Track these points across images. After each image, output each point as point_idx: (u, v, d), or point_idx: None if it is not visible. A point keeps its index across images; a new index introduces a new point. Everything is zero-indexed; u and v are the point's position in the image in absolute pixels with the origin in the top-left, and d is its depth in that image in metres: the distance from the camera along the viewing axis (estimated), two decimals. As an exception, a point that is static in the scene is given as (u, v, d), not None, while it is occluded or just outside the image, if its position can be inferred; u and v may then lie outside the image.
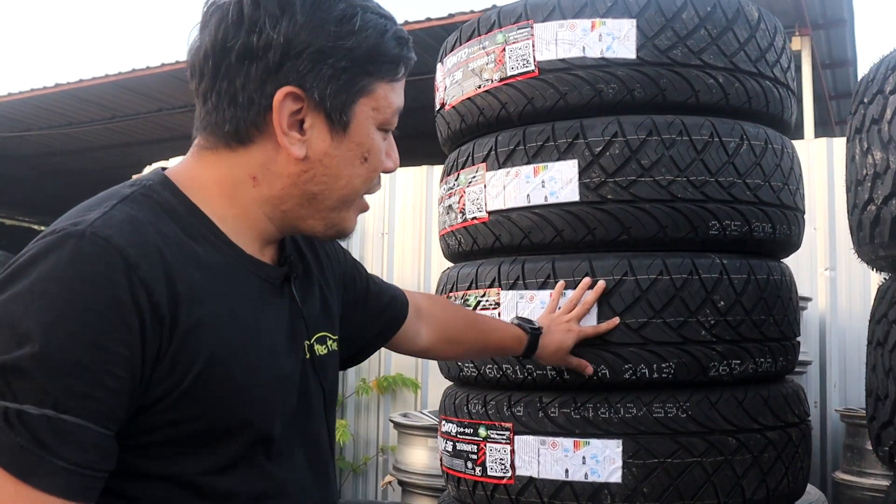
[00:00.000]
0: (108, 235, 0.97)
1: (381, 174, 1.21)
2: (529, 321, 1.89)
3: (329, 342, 1.29)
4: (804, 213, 2.17)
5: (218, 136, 1.12)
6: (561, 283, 1.93)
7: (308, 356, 1.22)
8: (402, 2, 7.01)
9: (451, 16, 7.75)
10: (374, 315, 1.54)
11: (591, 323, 1.90)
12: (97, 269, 0.94)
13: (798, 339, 2.16)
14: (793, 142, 2.17)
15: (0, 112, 11.11)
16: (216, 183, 1.13)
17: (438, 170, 6.10)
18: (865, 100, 1.57)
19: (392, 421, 4.39)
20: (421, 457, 3.95)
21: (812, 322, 4.68)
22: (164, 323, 0.98)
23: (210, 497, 1.05)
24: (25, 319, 0.91)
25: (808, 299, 4.42)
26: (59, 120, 11.43)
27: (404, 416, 4.47)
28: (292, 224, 1.17)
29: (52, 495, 0.90)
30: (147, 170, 7.53)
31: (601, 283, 1.89)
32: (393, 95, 1.16)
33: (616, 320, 1.88)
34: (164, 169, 1.17)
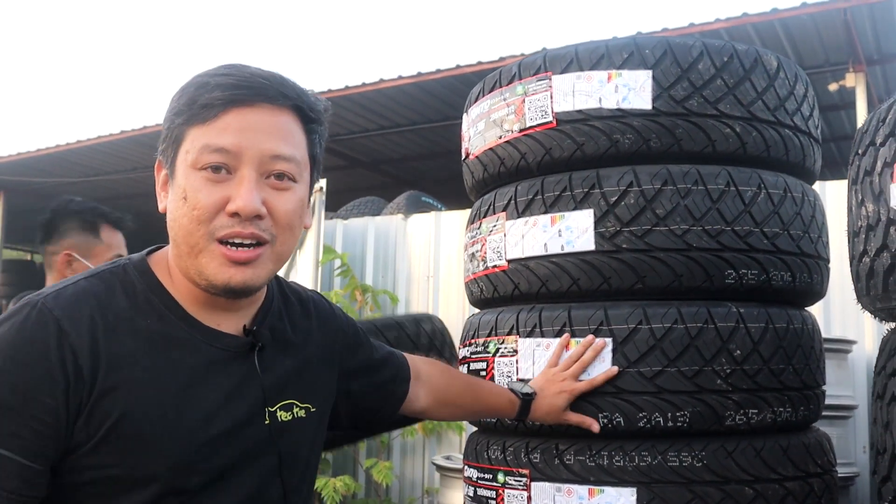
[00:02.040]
0: (51, 308, 1.17)
1: (235, 218, 1.22)
2: (524, 383, 1.94)
3: (296, 409, 1.38)
4: (828, 260, 2.16)
5: None
6: (566, 336, 1.95)
7: (268, 421, 1.32)
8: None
9: (501, 59, 7.84)
10: (377, 386, 1.65)
11: (605, 368, 1.91)
12: (36, 334, 1.15)
13: (823, 387, 2.13)
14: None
15: (70, 158, 11.54)
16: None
17: (486, 213, 6.15)
18: (860, 151, 1.57)
19: (434, 463, 4.41)
20: (462, 499, 3.95)
21: (859, 365, 4.58)
22: (84, 382, 1.15)
23: None
24: None
25: (852, 342, 4.34)
26: (124, 165, 11.80)
27: (447, 458, 4.49)
28: (190, 279, 1.26)
29: None
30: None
31: (601, 342, 1.92)
32: (201, 137, 1.22)
33: (614, 370, 1.89)
34: (159, 247, 1.35)
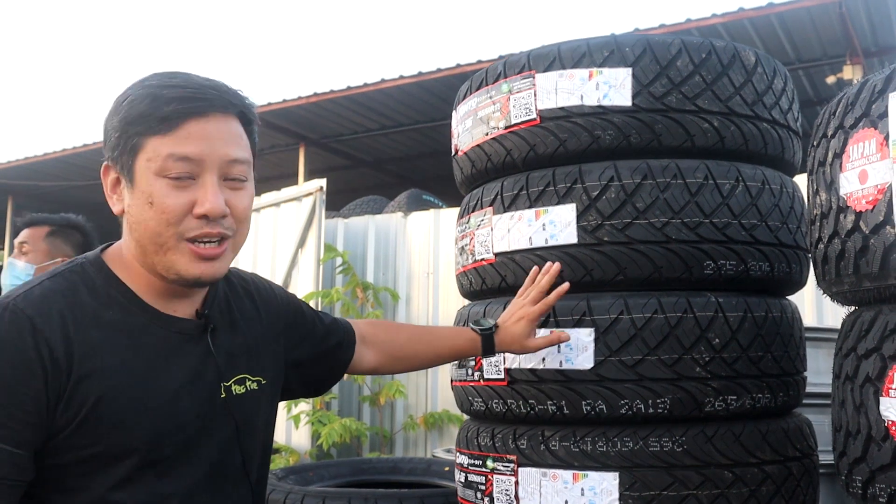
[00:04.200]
0: (23, 307, 1.29)
1: (203, 220, 1.36)
2: (482, 323, 2.02)
3: (248, 382, 1.53)
4: (808, 250, 2.22)
5: None
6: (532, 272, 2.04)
7: (224, 395, 1.47)
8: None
9: (501, 57, 7.89)
10: (322, 355, 1.79)
11: (588, 361, 1.97)
12: (11, 333, 1.27)
13: (804, 374, 2.19)
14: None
15: (76, 162, 11.69)
16: (125, 248, 1.45)
17: (485, 210, 6.21)
18: (815, 143, 1.64)
19: (435, 456, 4.47)
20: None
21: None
22: (61, 372, 1.28)
23: None
24: None
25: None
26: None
27: (448, 451, 4.55)
28: (154, 273, 1.40)
29: None
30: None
31: (557, 265, 2.00)
32: (163, 147, 1.34)
33: (566, 286, 1.98)
34: (110, 244, 1.50)
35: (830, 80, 7.50)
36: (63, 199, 13.94)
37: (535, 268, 2.04)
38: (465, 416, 5.59)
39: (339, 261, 6.65)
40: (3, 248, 14.30)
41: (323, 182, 6.44)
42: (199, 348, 1.46)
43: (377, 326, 2.00)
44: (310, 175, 9.73)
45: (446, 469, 3.40)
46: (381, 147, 10.99)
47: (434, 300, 6.07)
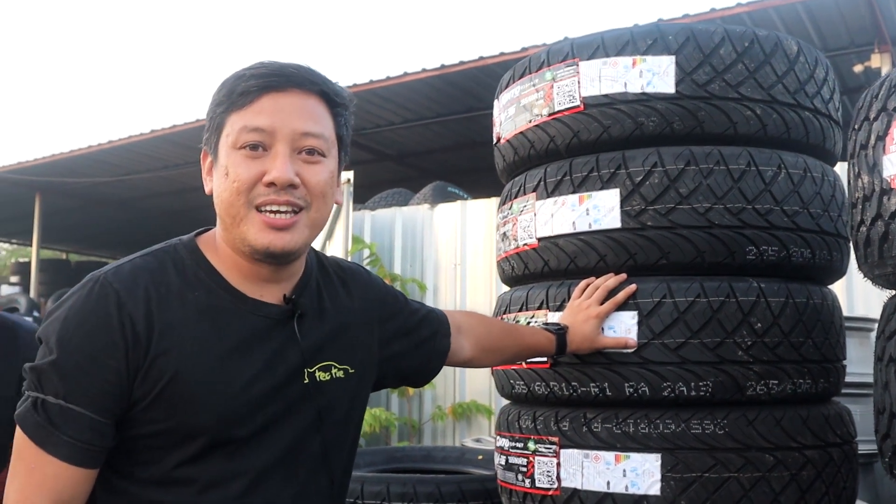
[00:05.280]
0: (111, 281, 1.35)
1: (271, 188, 1.38)
2: (555, 324, 2.06)
3: (334, 370, 1.53)
4: (848, 239, 2.23)
5: None
6: (591, 278, 2.08)
7: (306, 381, 1.47)
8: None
9: (524, 49, 7.90)
10: (417, 345, 1.78)
11: (632, 338, 2.00)
12: (98, 304, 1.33)
13: (843, 362, 2.21)
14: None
15: (102, 158, 11.74)
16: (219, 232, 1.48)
17: (511, 201, 6.25)
18: (856, 126, 1.65)
19: (464, 446, 4.50)
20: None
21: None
22: (141, 345, 1.33)
23: (176, 481, 1.37)
24: (52, 337, 1.32)
25: (875, 321, 4.36)
26: (155, 164, 12.00)
27: (477, 441, 4.58)
28: (238, 251, 1.43)
29: (58, 459, 1.29)
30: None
31: (623, 275, 2.04)
32: (239, 120, 1.39)
33: (633, 287, 2.02)
34: (206, 229, 1.53)
35: (858, 68, 7.42)
36: (89, 195, 14.08)
37: (587, 280, 2.08)
38: (493, 406, 5.65)
39: (366, 252, 6.70)
40: (31, 245, 14.44)
41: (350, 175, 6.48)
42: (284, 333, 1.46)
43: (473, 317, 2.01)
44: (333, 169, 9.74)
45: (479, 458, 3.43)
46: (404, 140, 11.01)
47: (461, 291, 6.10)
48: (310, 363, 1.49)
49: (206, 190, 1.47)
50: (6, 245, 24.37)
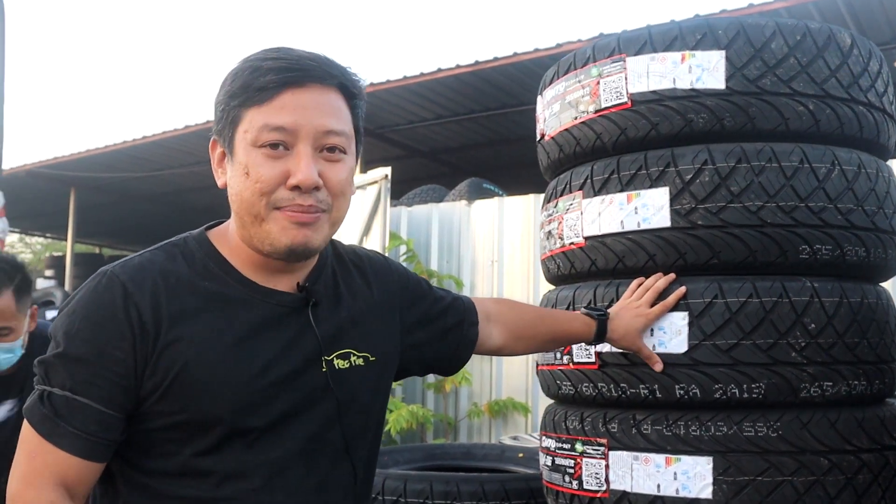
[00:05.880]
0: (118, 273, 1.35)
1: (295, 191, 1.35)
2: (597, 308, 2.02)
3: (353, 358, 1.50)
4: (903, 236, 2.18)
5: None
6: (639, 279, 2.04)
7: (325, 369, 1.44)
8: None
9: (559, 45, 7.84)
10: (442, 333, 1.75)
11: (682, 345, 1.97)
12: (106, 297, 1.33)
13: (898, 362, 2.16)
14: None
15: (136, 153, 11.85)
16: (231, 224, 1.47)
17: (547, 198, 6.22)
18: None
19: (501, 443, 4.48)
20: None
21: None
22: (149, 336, 1.31)
23: (194, 473, 1.35)
24: (60, 330, 1.32)
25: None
26: (188, 159, 12.08)
27: (514, 438, 4.56)
28: (253, 246, 1.41)
29: (64, 451, 1.29)
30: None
31: (672, 275, 2.00)
32: (259, 117, 1.34)
33: (683, 289, 1.98)
34: (218, 223, 1.53)
35: (900, 64, 7.30)
36: (123, 190, 14.21)
37: (638, 279, 2.05)
38: (530, 404, 5.62)
39: (403, 249, 6.69)
40: (64, 239, 14.61)
41: (388, 170, 6.48)
42: (299, 321, 1.44)
43: (503, 304, 1.98)
44: (366, 166, 9.79)
45: (520, 455, 3.41)
46: (436, 137, 10.99)
47: (498, 288, 6.08)
48: (327, 351, 1.46)
49: (219, 183, 1.44)
50: (41, 239, 24.66)
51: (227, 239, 1.46)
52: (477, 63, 8.35)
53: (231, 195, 1.40)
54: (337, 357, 1.47)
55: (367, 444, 1.55)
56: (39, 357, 1.34)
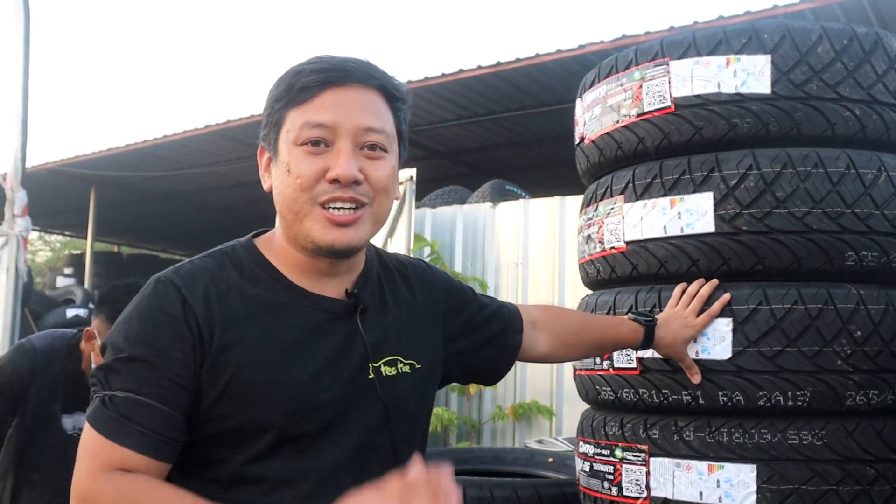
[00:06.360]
0: (172, 278, 1.37)
1: (335, 184, 1.37)
2: (644, 314, 2.00)
3: (400, 365, 1.51)
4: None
5: None
6: (682, 284, 2.02)
7: (372, 376, 1.45)
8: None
9: (581, 47, 7.82)
10: (486, 341, 1.74)
11: (726, 351, 1.95)
12: (163, 300, 1.35)
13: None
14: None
15: (156, 152, 11.89)
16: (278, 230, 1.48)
17: (571, 200, 6.22)
18: None
19: (527, 447, 4.47)
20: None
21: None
22: (203, 341, 1.33)
23: (245, 480, 1.35)
24: (119, 337, 1.34)
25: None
26: (208, 159, 12.12)
27: (539, 442, 4.55)
28: (298, 247, 1.43)
29: (131, 449, 1.28)
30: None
31: (715, 280, 1.99)
32: (300, 116, 1.38)
33: (728, 296, 1.97)
34: (264, 231, 1.55)
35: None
36: (142, 188, 14.26)
37: (681, 284, 2.04)
38: (554, 407, 5.60)
39: (427, 250, 6.68)
40: (83, 237, 14.66)
41: (413, 172, 6.46)
42: (347, 328, 1.45)
43: (549, 311, 1.96)
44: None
45: (550, 460, 3.39)
46: (457, 138, 10.97)
47: (523, 291, 6.06)
48: (374, 358, 1.46)
49: (265, 187, 1.46)
50: (60, 237, 24.79)
51: (274, 245, 1.48)
52: (499, 64, 8.33)
53: (275, 195, 1.42)
54: (384, 364, 1.48)
55: (414, 450, 1.54)
56: (98, 365, 1.36)
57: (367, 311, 1.48)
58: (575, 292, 5.81)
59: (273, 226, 1.56)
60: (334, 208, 1.37)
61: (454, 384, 6.24)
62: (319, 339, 1.41)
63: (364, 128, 1.38)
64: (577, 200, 6.12)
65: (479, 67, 8.46)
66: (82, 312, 10.52)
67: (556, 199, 6.05)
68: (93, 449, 1.30)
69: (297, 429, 1.37)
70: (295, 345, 1.39)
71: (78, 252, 18.99)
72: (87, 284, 14.22)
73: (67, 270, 17.07)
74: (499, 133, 10.67)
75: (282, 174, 1.39)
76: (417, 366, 1.54)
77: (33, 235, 23.49)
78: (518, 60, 8.21)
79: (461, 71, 8.59)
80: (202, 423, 1.34)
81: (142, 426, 1.29)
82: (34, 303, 10.10)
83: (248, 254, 1.46)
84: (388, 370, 1.48)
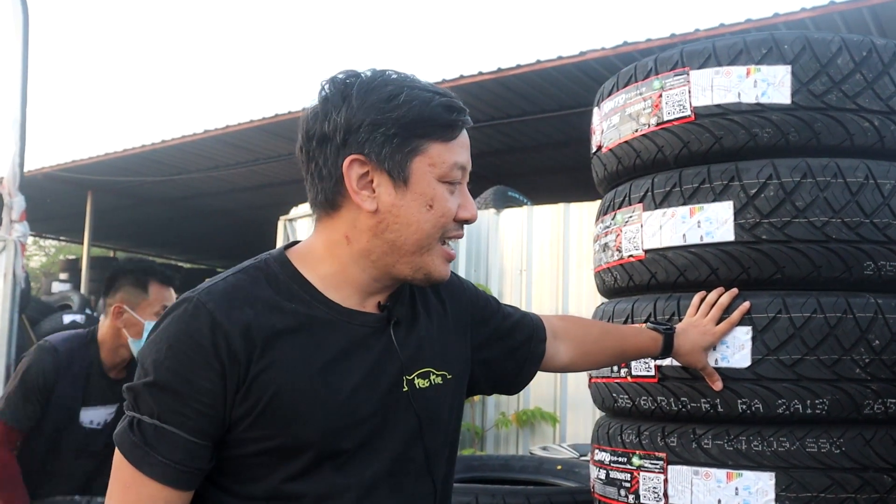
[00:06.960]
0: (205, 301, 1.33)
1: (460, 223, 1.45)
2: (662, 322, 2.02)
3: (433, 377, 1.51)
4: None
5: (318, 207, 1.45)
6: (701, 292, 2.03)
7: (406, 389, 1.46)
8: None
9: (582, 53, 7.85)
10: (511, 350, 1.75)
11: (745, 359, 1.96)
12: (191, 326, 1.31)
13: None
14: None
15: (154, 157, 11.89)
16: (323, 246, 1.46)
17: (575, 207, 6.25)
18: None
19: (532, 454, 4.47)
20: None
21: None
22: (240, 364, 1.31)
23: (284, 497, 1.35)
24: (148, 358, 1.32)
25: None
26: (206, 163, 12.11)
27: (544, 448, 4.55)
28: (386, 272, 1.44)
29: (153, 479, 1.29)
30: (292, 210, 7.92)
31: (734, 289, 2.01)
32: (447, 154, 1.40)
33: (747, 304, 1.98)
34: (294, 243, 1.53)
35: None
36: (139, 193, 14.25)
37: (700, 293, 2.05)
38: (558, 414, 5.60)
39: (429, 256, 6.64)
40: (79, 242, 14.62)
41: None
42: (382, 341, 1.45)
43: (568, 321, 1.97)
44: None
45: (558, 468, 3.40)
46: (457, 144, 10.96)
47: (527, 297, 6.07)
48: (408, 370, 1.47)
49: (369, 207, 1.39)
50: (54, 242, 24.75)
51: (307, 260, 1.46)
52: (500, 70, 8.35)
53: (393, 223, 1.40)
54: (417, 376, 1.49)
55: (444, 460, 1.56)
56: (128, 384, 1.35)
57: (400, 323, 1.49)
58: (579, 299, 5.83)
59: (272, 230, 1.55)
60: (448, 244, 1.44)
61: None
62: (356, 355, 1.41)
63: (470, 169, 1.46)
64: (581, 207, 6.15)
65: (480, 73, 8.48)
66: (79, 318, 10.50)
67: (560, 205, 6.06)
68: (123, 476, 1.32)
69: (335, 446, 1.37)
70: (333, 362, 1.38)
71: (73, 257, 18.95)
72: (83, 290, 14.19)
73: (63, 276, 17.04)
74: (498, 139, 10.68)
75: (420, 206, 1.39)
76: (448, 376, 1.55)
77: (28, 240, 23.42)
78: (519, 67, 8.25)
79: (462, 77, 8.61)
80: (239, 443, 1.34)
81: (163, 456, 1.29)
82: (30, 308, 10.05)
83: (283, 269, 1.44)
84: (421, 382, 1.49)
